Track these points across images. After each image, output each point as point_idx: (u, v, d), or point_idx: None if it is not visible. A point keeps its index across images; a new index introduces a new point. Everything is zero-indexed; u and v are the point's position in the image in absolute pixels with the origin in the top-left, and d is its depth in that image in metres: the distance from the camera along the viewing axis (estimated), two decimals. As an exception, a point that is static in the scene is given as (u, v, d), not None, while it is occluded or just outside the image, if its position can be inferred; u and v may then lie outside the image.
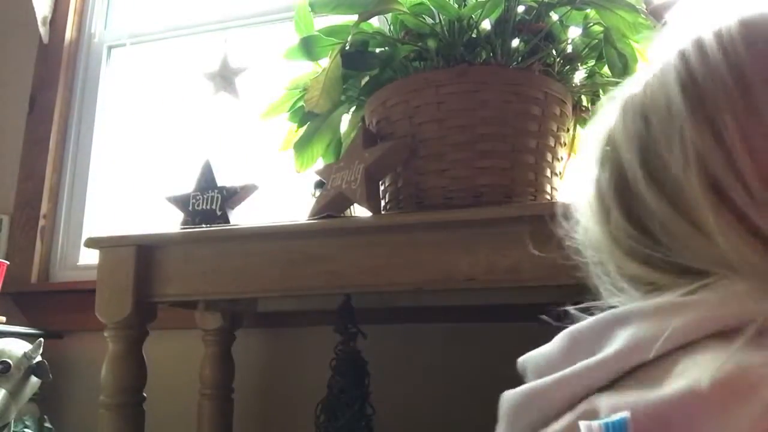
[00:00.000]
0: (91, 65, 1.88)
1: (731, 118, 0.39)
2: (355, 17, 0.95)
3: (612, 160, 0.46)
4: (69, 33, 1.88)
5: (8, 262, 1.53)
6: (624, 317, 0.38)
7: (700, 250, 0.40)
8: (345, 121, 1.13)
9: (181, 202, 1.14)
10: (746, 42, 0.41)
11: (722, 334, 0.34)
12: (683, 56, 0.43)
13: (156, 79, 1.84)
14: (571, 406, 0.37)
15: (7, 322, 1.49)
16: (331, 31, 1.01)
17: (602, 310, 0.41)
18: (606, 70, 0.99)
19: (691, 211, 0.40)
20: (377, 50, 1.02)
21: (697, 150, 0.40)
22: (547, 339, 0.42)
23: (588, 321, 0.41)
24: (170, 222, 1.16)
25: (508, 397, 0.41)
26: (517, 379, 0.43)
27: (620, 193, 0.45)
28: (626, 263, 0.44)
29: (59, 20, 1.88)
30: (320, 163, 1.12)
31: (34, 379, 1.37)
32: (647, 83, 0.46)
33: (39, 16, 1.84)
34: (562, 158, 1.01)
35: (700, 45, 0.42)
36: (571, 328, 0.41)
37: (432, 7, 0.96)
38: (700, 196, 0.39)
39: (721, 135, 0.39)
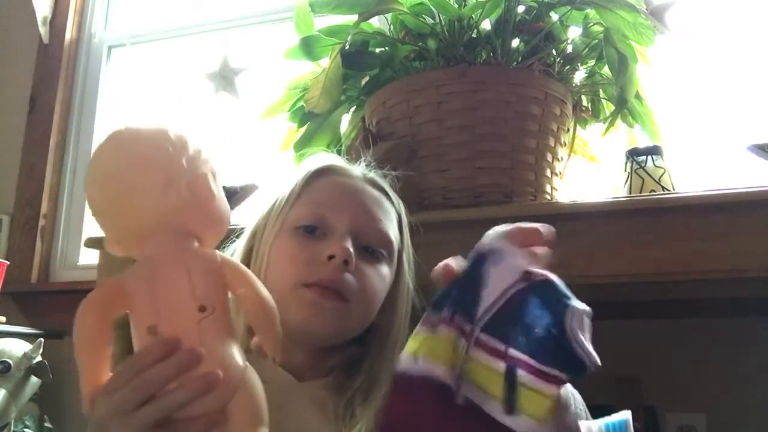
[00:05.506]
0: (91, 65, 1.88)
1: None
2: (355, 17, 0.95)
3: None
4: (69, 33, 1.88)
5: (8, 262, 1.54)
6: None
7: None
8: (345, 121, 1.13)
9: (181, 202, 1.14)
10: None
11: None
12: None
13: (156, 79, 1.84)
14: None
15: (7, 322, 1.49)
16: (331, 31, 1.01)
17: None
18: (606, 70, 0.99)
19: None
20: (377, 50, 1.02)
21: None
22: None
23: None
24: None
25: None
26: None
27: None
28: None
29: (59, 20, 1.88)
30: (320, 163, 1.12)
31: (34, 379, 1.37)
32: None
33: (39, 16, 1.84)
34: (562, 158, 1.01)
35: None
36: None
37: (432, 7, 0.96)
38: None
39: None
